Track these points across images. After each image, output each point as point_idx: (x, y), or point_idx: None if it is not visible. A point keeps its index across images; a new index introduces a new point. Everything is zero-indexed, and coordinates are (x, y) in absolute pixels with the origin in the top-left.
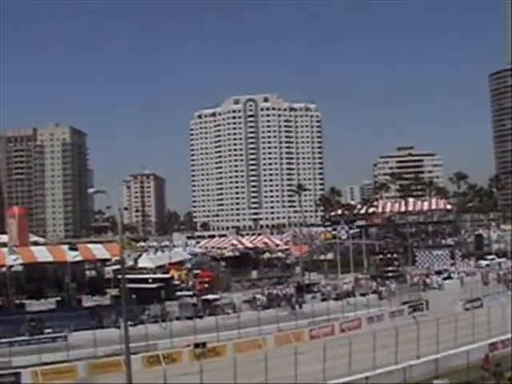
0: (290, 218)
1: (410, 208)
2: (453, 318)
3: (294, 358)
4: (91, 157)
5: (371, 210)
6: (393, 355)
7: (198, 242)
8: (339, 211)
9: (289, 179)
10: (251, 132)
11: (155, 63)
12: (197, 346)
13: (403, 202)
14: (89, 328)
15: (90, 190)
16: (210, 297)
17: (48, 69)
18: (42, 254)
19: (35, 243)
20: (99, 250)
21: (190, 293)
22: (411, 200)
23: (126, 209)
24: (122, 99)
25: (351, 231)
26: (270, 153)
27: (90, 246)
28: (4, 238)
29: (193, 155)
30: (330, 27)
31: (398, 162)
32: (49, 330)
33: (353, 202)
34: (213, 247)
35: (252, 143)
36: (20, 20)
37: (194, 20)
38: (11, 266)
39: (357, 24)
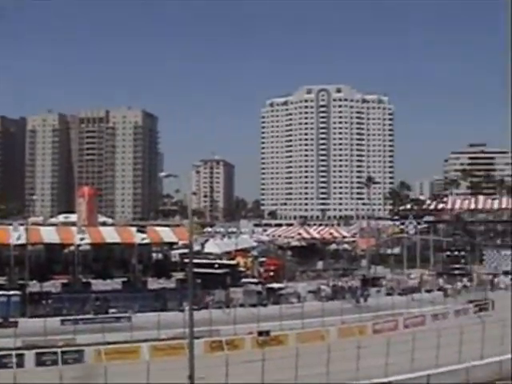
0: (357, 210)
1: (480, 206)
2: None
3: (356, 351)
4: (162, 140)
5: (440, 205)
6: (456, 354)
7: (264, 230)
8: (408, 205)
9: (358, 171)
10: (322, 122)
11: (230, 50)
12: (260, 333)
13: (473, 200)
14: (153, 310)
15: (162, 174)
16: (275, 285)
17: (124, 51)
18: (110, 235)
19: (103, 224)
20: (166, 234)
21: (255, 280)
22: (481, 198)
23: (194, 193)
24: (194, 84)
25: (419, 226)
26: (340, 144)
27: (158, 228)
28: (73, 218)
29: (263, 143)
30: (401, 20)
31: (470, 158)
32: (113, 310)
33: (422, 197)
34: (279, 236)
35: (323, 133)
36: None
37: (271, 8)
38: (79, 245)
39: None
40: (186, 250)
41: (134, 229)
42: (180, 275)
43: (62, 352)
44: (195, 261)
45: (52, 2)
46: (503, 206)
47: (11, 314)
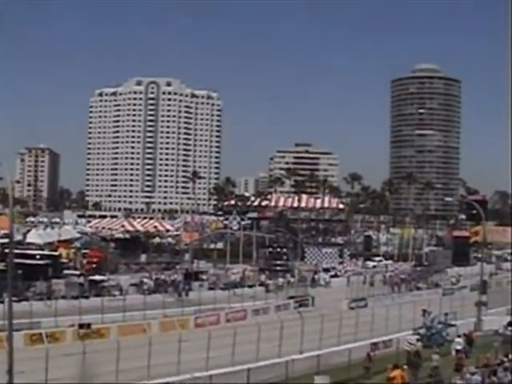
0: (182, 204)
1: (303, 204)
2: (337, 316)
3: (177, 344)
4: None
5: (264, 203)
6: (276, 348)
7: (88, 222)
8: (232, 202)
9: (184, 165)
10: (151, 115)
11: (60, 36)
12: (81, 326)
13: (296, 198)
14: None
15: None
16: (97, 277)
17: None
18: None
19: None
20: None
21: (78, 272)
22: (304, 196)
23: (18, 182)
24: (21, 68)
25: (243, 222)
26: (167, 137)
27: None
28: None
29: (90, 133)
30: (236, 18)
31: (295, 157)
32: None
33: (247, 194)
34: (103, 228)
35: (151, 126)
36: None
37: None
38: None
39: (263, 17)
40: (6, 240)
41: None
42: (0, 265)
43: None
44: (16, 251)
45: None
46: (325, 205)
47: None
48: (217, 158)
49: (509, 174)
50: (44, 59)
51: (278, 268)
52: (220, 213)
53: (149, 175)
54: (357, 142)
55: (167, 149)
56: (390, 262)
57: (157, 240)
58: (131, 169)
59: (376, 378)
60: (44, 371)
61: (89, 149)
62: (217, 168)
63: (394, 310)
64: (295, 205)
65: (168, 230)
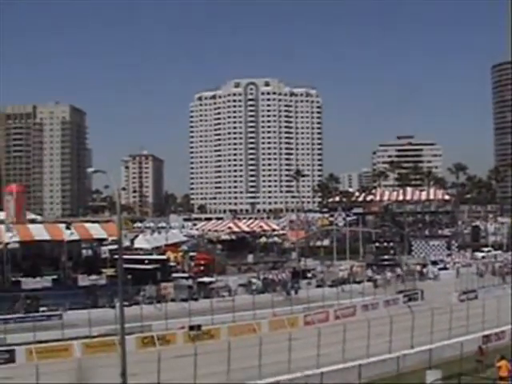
0: (287, 203)
1: (408, 197)
2: (447, 309)
3: (288, 343)
4: (90, 136)
5: (369, 197)
6: (387, 344)
7: (194, 225)
8: (337, 198)
9: (287, 164)
10: (251, 116)
11: (157, 44)
12: (191, 328)
13: (401, 191)
14: (84, 307)
15: (89, 170)
16: (206, 279)
17: (49, 46)
18: (38, 232)
19: (32, 221)
20: (96, 230)
21: (186, 275)
22: (409, 189)
23: (123, 189)
24: (123, 79)
25: (348, 218)
26: (269, 137)
27: (87, 225)
28: (1, 215)
29: (192, 137)
30: (332, 13)
31: (398, 150)
32: (44, 308)
33: (351, 190)
34: (209, 230)
35: (251, 127)
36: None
37: (197, 3)
38: (8, 243)
39: (359, 11)
40: (115, 246)
41: (63, 225)
42: (110, 271)
43: None
44: (125, 257)
45: None
46: (431, 197)
47: None
48: (319, 155)
49: None
50: (142, 66)
51: (386, 263)
52: (325, 210)
53: (252, 176)
54: (460, 131)
55: (269, 149)
56: (499, 252)
57: (263, 240)
58: (234, 170)
59: (489, 371)
60: (156, 373)
61: (191, 153)
62: (320, 165)
63: (505, 300)
64: (400, 198)
65: (274, 230)
